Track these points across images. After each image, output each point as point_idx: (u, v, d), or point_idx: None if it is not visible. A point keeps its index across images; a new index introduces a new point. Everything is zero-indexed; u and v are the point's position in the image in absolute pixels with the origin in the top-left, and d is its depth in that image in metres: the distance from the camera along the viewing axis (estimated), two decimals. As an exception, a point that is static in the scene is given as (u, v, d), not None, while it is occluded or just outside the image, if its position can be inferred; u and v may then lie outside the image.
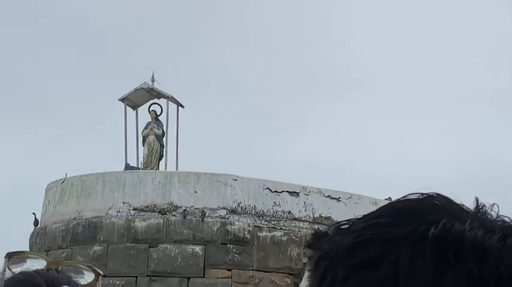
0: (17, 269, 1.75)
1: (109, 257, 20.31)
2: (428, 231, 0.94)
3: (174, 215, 20.40)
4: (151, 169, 22.96)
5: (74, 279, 1.76)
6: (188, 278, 19.93)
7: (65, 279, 1.70)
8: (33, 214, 22.53)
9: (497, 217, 1.00)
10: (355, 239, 0.97)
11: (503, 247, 0.94)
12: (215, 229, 20.33)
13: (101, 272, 1.94)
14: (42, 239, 21.77)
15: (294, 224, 21.11)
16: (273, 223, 20.92)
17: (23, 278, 1.67)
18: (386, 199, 23.30)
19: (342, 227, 1.02)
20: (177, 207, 20.49)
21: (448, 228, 0.94)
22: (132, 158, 23.92)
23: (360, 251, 0.96)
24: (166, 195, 20.68)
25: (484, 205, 1.02)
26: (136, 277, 20.07)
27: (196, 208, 20.47)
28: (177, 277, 19.92)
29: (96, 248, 20.48)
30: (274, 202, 21.18)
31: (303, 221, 21.25)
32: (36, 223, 22.41)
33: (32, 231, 22.74)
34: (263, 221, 20.85)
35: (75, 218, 21.11)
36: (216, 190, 20.83)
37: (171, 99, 23.53)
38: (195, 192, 20.70)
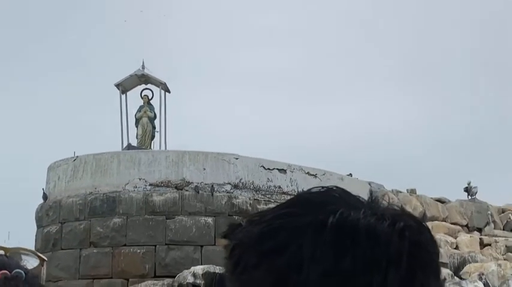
0: None
1: (128, 228, 21.91)
2: (328, 219, 1.02)
3: (187, 190, 22.29)
4: (145, 148, 24.62)
5: (21, 264, 1.80)
6: (201, 246, 21.86)
7: (14, 264, 1.74)
8: (43, 189, 23.65)
9: (388, 205, 1.10)
10: (264, 229, 1.04)
11: (392, 231, 1.03)
12: (223, 203, 22.38)
13: (45, 258, 1.98)
14: (56, 212, 22.93)
15: (283, 198, 23.37)
16: (267, 196, 23.20)
17: None
18: (348, 175, 26.23)
19: (254, 218, 1.08)
20: (189, 183, 22.36)
21: (345, 216, 1.03)
22: (123, 137, 25.44)
23: (268, 240, 1.03)
24: (179, 172, 22.50)
25: (377, 196, 1.11)
26: (155, 246, 21.77)
27: (206, 184, 22.42)
28: (192, 245, 21.82)
29: (116, 220, 21.99)
30: (268, 178, 23.48)
31: (290, 194, 23.55)
32: (45, 197, 23.54)
33: (40, 205, 23.85)
34: (260, 195, 23.10)
35: (91, 193, 22.50)
36: (222, 167, 22.88)
37: (163, 85, 25.19)
38: (204, 169, 22.65)
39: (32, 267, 1.83)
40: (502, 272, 23.12)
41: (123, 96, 25.70)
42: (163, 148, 25.11)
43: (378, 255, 1.00)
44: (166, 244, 21.78)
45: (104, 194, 22.30)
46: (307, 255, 1.00)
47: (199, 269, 20.46)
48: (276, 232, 1.03)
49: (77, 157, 23.38)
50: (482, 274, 22.42)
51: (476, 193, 29.06)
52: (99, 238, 22.02)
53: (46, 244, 22.73)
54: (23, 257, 1.86)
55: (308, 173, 24.31)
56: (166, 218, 21.98)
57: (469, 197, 29.13)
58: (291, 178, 23.87)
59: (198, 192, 22.22)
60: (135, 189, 22.25)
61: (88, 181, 22.78)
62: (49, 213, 23.18)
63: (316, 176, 24.35)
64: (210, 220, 22.11)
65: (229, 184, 22.69)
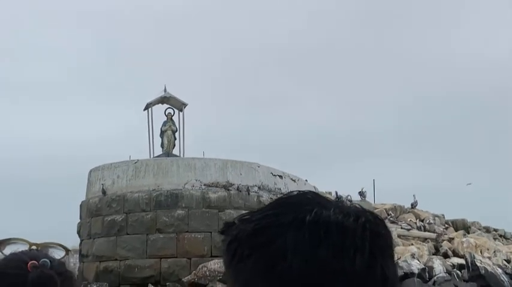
0: (7, 251, 2.03)
1: (190, 218, 26.31)
2: (305, 218, 1.18)
3: (230, 190, 27.18)
4: (169, 155, 28.91)
5: (50, 255, 2.02)
6: (243, 233, 26.87)
7: (43, 255, 1.96)
8: (102, 184, 26.97)
9: (351, 204, 1.27)
10: (255, 226, 1.22)
11: (357, 225, 1.19)
12: (255, 200, 27.58)
13: (70, 249, 2.20)
14: (119, 204, 26.51)
15: (282, 197, 29.11)
16: (275, 196, 28.70)
17: (11, 257, 1.94)
18: (305, 180, 32.47)
19: (245, 217, 1.28)
20: (232, 184, 27.27)
21: (319, 214, 1.19)
22: (145, 146, 29.49)
23: (258, 235, 1.20)
24: (224, 175, 27.31)
25: (341, 197, 1.32)
26: (211, 232, 26.40)
27: (243, 185, 27.47)
28: (237, 232, 26.76)
29: (179, 211, 26.28)
30: (274, 182, 29.07)
31: (285, 195, 29.37)
32: (103, 192, 26.89)
33: (98, 198, 27.15)
34: (271, 195, 28.58)
35: (155, 190, 26.52)
36: (251, 173, 28.07)
37: (184, 105, 29.60)
38: (241, 174, 27.69)
39: (59, 257, 2.07)
40: (421, 253, 30.84)
41: (145, 112, 29.72)
42: (181, 154, 29.56)
43: (347, 244, 1.16)
44: (219, 232, 26.33)
45: (167, 191, 26.43)
46: (290, 246, 1.16)
47: (256, 250, 25.65)
48: (264, 229, 1.20)
49: (138, 160, 27.19)
50: (414, 254, 29.90)
51: (366, 195, 36.81)
52: (165, 226, 26.13)
53: (109, 230, 26.27)
54: (51, 249, 2.11)
55: (291, 179, 30.23)
56: (219, 211, 26.67)
57: (362, 198, 36.69)
58: (285, 182, 29.63)
59: (240, 191, 27.24)
60: (193, 188, 26.68)
61: (151, 180, 26.72)
62: (112, 205, 26.64)
63: (295, 181, 30.36)
64: (247, 213, 27.15)
65: (256, 186, 27.95)
